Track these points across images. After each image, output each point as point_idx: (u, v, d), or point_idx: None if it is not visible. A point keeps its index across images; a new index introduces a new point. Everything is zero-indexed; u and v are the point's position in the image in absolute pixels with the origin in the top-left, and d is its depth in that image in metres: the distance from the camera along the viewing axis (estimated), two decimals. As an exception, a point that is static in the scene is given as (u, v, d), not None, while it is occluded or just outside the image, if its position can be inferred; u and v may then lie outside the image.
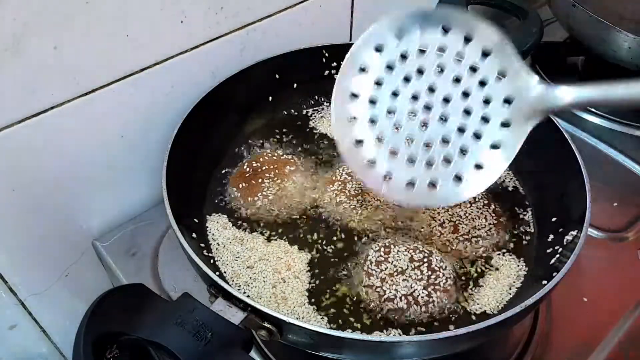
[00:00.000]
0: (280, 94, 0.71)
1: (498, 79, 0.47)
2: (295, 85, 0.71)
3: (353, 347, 0.43)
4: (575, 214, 0.52)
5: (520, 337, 0.59)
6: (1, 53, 0.47)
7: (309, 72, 0.71)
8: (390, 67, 0.49)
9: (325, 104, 0.74)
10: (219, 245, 0.57)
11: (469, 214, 0.58)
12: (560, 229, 0.54)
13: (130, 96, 0.59)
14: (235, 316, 0.42)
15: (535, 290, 0.44)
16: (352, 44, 0.72)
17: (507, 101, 0.47)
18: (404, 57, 0.49)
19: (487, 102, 0.47)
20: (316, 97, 0.73)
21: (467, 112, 0.47)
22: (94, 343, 0.37)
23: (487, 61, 0.48)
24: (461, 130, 0.47)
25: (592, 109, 0.85)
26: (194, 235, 0.55)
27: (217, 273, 0.48)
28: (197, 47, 0.61)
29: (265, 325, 0.43)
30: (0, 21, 0.45)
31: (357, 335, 0.42)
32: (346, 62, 0.51)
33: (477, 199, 0.60)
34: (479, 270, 0.55)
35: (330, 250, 0.57)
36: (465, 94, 0.48)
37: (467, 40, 0.48)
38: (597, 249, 0.67)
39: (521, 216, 0.61)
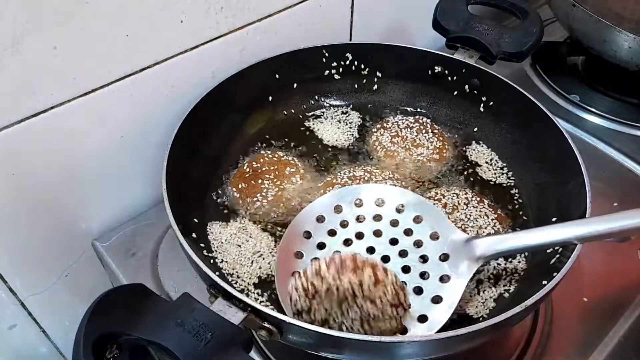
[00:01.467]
0: (280, 94, 0.70)
1: (432, 239, 0.53)
2: (295, 85, 0.71)
3: (353, 347, 0.43)
4: (575, 213, 0.52)
5: (520, 337, 0.59)
6: (1, 53, 0.47)
7: (309, 72, 0.71)
8: (331, 233, 0.55)
9: (325, 104, 0.74)
10: (218, 245, 0.57)
11: (470, 216, 0.58)
12: (560, 229, 0.54)
13: (130, 96, 0.59)
14: (235, 316, 0.42)
15: (535, 291, 0.44)
16: (352, 43, 0.72)
17: (443, 258, 0.51)
18: (343, 225, 0.55)
19: (424, 260, 0.52)
20: (316, 97, 0.73)
21: (407, 270, 0.51)
22: (94, 343, 0.37)
23: (420, 226, 0.54)
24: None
25: (592, 109, 0.85)
26: (193, 235, 0.55)
27: (217, 273, 0.48)
28: (197, 47, 0.61)
29: (265, 325, 0.42)
30: (0, 21, 0.45)
31: (357, 336, 0.42)
32: (290, 228, 0.56)
33: (477, 201, 0.60)
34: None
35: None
36: (404, 253, 0.52)
37: (399, 211, 0.55)
38: (597, 249, 0.66)
39: (521, 216, 0.61)
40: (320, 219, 0.56)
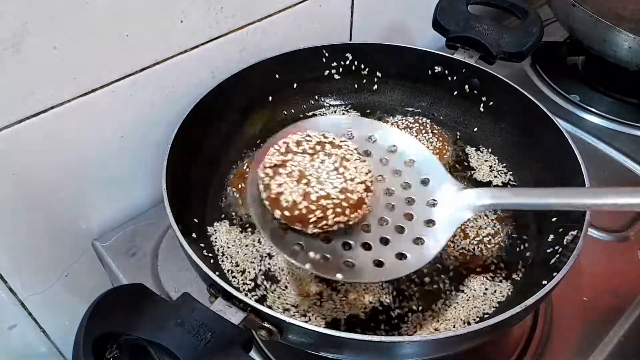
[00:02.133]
0: (280, 94, 0.70)
1: (422, 184, 0.52)
2: (295, 85, 0.71)
3: (353, 347, 0.43)
4: (575, 213, 0.52)
5: (520, 337, 0.59)
6: (1, 53, 0.47)
7: (309, 72, 0.71)
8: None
9: (325, 104, 0.74)
10: (218, 245, 0.57)
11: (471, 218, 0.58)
12: (560, 229, 0.54)
13: (130, 96, 0.59)
14: (235, 316, 0.42)
15: (535, 290, 0.44)
16: (352, 43, 0.72)
17: (431, 204, 0.50)
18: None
19: (410, 202, 0.51)
20: (316, 97, 0.73)
21: (391, 208, 0.50)
22: (94, 343, 0.37)
23: (411, 169, 0.52)
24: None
25: (592, 109, 0.85)
26: (193, 235, 0.55)
27: (217, 273, 0.47)
28: (197, 47, 0.61)
29: (265, 325, 0.42)
30: (0, 21, 0.45)
31: (357, 336, 0.42)
32: (288, 129, 0.53)
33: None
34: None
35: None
36: (389, 192, 0.52)
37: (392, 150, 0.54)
38: (597, 248, 0.67)
39: (521, 216, 0.61)
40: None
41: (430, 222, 0.49)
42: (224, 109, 0.65)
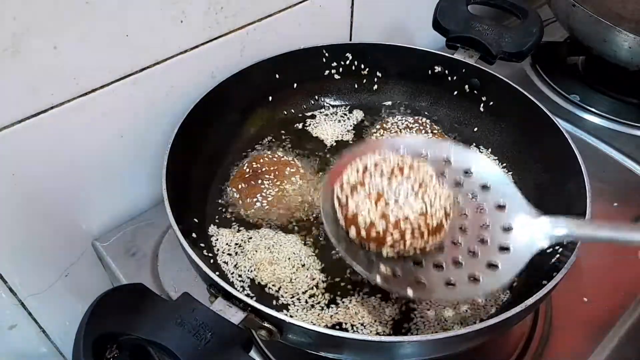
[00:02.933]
0: (280, 94, 0.71)
1: (498, 210, 0.50)
2: (295, 85, 0.71)
3: (353, 347, 0.43)
4: (575, 213, 0.52)
5: (520, 337, 0.58)
6: (1, 53, 0.47)
7: (309, 72, 0.71)
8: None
9: (325, 104, 0.74)
10: (218, 245, 0.57)
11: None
12: (561, 229, 0.54)
13: (130, 96, 0.59)
14: (235, 316, 0.42)
15: (535, 290, 0.44)
16: (352, 43, 0.72)
17: (506, 229, 0.49)
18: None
19: (485, 226, 0.49)
20: (316, 97, 0.73)
21: (464, 230, 0.50)
22: (94, 343, 0.37)
23: (486, 194, 0.51)
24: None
25: (592, 109, 0.85)
26: (193, 235, 0.55)
27: (217, 273, 0.47)
28: (197, 47, 0.61)
29: (265, 325, 0.42)
30: (0, 21, 0.45)
31: (357, 336, 0.42)
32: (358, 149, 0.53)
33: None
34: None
35: (330, 252, 0.57)
36: (463, 215, 0.50)
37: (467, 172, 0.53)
38: (597, 249, 0.66)
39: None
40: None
41: (504, 249, 0.48)
42: (224, 109, 0.65)
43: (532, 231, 0.48)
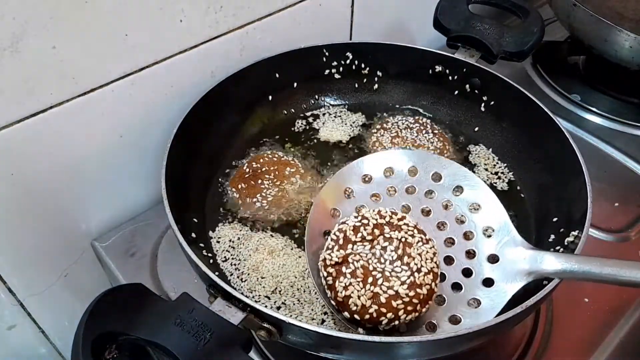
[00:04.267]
0: (280, 94, 0.70)
1: (485, 236, 0.50)
2: (295, 84, 0.71)
3: (353, 347, 0.43)
4: (576, 214, 0.52)
5: (521, 337, 0.58)
6: (0, 52, 0.47)
7: (309, 71, 0.71)
8: (375, 197, 0.53)
9: (325, 103, 0.74)
10: (218, 245, 0.57)
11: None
12: (562, 229, 0.54)
13: (130, 96, 0.58)
14: (235, 316, 0.42)
15: (536, 291, 0.44)
16: (352, 43, 0.72)
17: (491, 260, 0.48)
18: (389, 192, 0.54)
19: (471, 256, 0.49)
20: (316, 97, 0.73)
21: (450, 262, 0.49)
22: (93, 343, 0.37)
23: (475, 216, 0.50)
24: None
25: (593, 108, 0.85)
26: (193, 235, 0.55)
27: (217, 273, 0.47)
28: (196, 46, 0.61)
29: (265, 325, 0.42)
30: (-1, 20, 0.45)
31: (357, 336, 0.42)
32: (332, 181, 0.54)
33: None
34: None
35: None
36: (450, 242, 0.50)
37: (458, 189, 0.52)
38: (598, 249, 0.66)
39: (522, 216, 0.61)
40: (366, 179, 0.53)
41: (488, 282, 0.47)
42: (224, 108, 0.65)
43: (518, 265, 0.47)
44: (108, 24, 0.52)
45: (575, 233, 0.51)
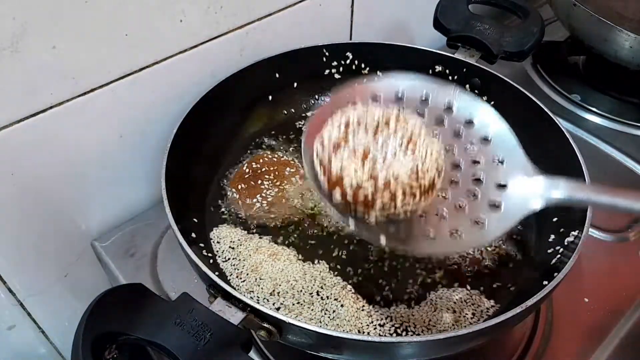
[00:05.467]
0: (280, 94, 0.70)
1: (495, 163, 0.47)
2: (295, 84, 0.71)
3: (353, 347, 0.43)
4: (576, 214, 0.52)
5: (521, 337, 0.58)
6: (0, 52, 0.47)
7: (309, 71, 0.70)
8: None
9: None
10: (218, 245, 0.57)
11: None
12: (561, 229, 0.54)
13: (129, 96, 0.58)
14: (235, 316, 0.42)
15: (536, 291, 0.44)
16: (352, 43, 0.72)
17: (501, 186, 0.46)
18: None
19: (478, 181, 0.47)
20: (316, 97, 0.73)
21: (455, 183, 0.47)
22: (93, 343, 0.37)
23: (486, 146, 0.48)
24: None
25: (593, 109, 0.85)
26: (193, 235, 0.55)
27: (216, 273, 0.47)
28: (196, 46, 0.61)
29: (265, 325, 0.42)
30: (-1, 20, 0.45)
31: (357, 336, 0.42)
32: (334, 99, 0.50)
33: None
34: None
35: (329, 252, 0.57)
36: (456, 166, 0.47)
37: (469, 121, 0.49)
38: (598, 249, 0.66)
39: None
40: (376, 98, 0.50)
41: (494, 206, 0.45)
42: (224, 108, 0.65)
43: (526, 190, 0.45)
44: (108, 24, 0.52)
45: (575, 233, 0.51)
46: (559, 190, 0.44)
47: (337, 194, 0.41)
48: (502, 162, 0.47)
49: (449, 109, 0.49)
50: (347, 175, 0.41)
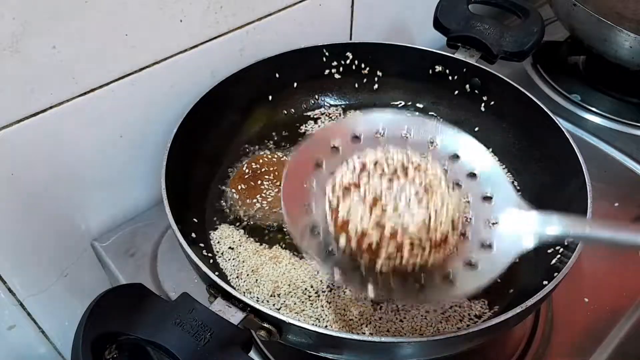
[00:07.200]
0: (280, 94, 0.70)
1: (484, 200, 0.45)
2: (295, 84, 0.71)
3: (353, 347, 0.43)
4: (576, 213, 0.52)
5: (521, 337, 0.58)
6: (0, 52, 0.47)
7: (309, 71, 0.70)
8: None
9: (325, 103, 0.74)
10: (218, 245, 0.57)
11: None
12: (561, 229, 0.54)
13: (129, 96, 0.58)
14: (235, 316, 0.42)
15: (536, 291, 0.44)
16: (352, 43, 0.72)
17: (492, 224, 0.44)
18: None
19: (468, 220, 0.45)
20: (316, 97, 0.73)
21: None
22: (93, 343, 0.37)
23: (475, 182, 0.46)
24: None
25: (593, 109, 0.85)
26: (193, 235, 0.55)
27: (216, 273, 0.47)
28: (196, 46, 0.61)
29: (265, 325, 0.42)
30: (-2, 20, 0.45)
31: (357, 336, 0.42)
32: (296, 155, 0.48)
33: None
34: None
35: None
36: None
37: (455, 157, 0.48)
38: (598, 249, 0.66)
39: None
40: (356, 137, 0.47)
41: (487, 245, 0.43)
42: (224, 108, 0.65)
43: (519, 227, 0.43)
44: (108, 23, 0.52)
45: (575, 233, 0.51)
46: (553, 226, 0.42)
47: (342, 240, 0.40)
48: (490, 198, 0.46)
49: (431, 143, 0.48)
50: (353, 221, 0.39)
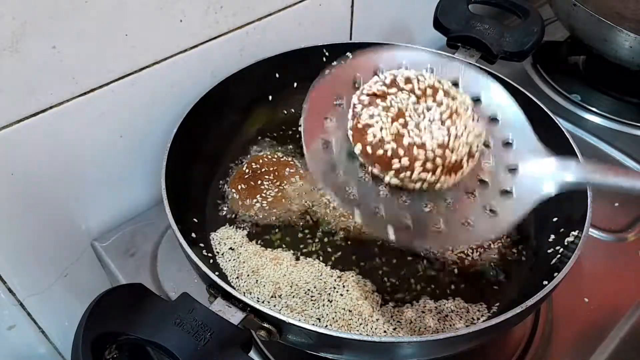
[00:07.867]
0: (280, 94, 0.70)
1: (504, 146, 0.45)
2: (295, 84, 0.71)
3: (353, 347, 0.43)
4: (576, 214, 0.52)
5: (521, 337, 0.58)
6: (0, 52, 0.47)
7: (309, 71, 0.70)
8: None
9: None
10: (218, 245, 0.57)
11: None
12: (561, 229, 0.54)
13: (129, 96, 0.58)
14: (235, 316, 0.42)
15: (536, 291, 0.44)
16: (352, 43, 0.72)
17: (512, 170, 0.44)
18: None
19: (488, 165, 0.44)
20: (316, 97, 0.73)
21: None
22: (93, 343, 0.37)
23: (496, 127, 0.45)
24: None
25: (593, 108, 0.85)
26: (193, 235, 0.55)
27: (216, 273, 0.47)
28: (196, 46, 0.61)
29: (265, 325, 0.42)
30: (-2, 20, 0.45)
31: (357, 336, 0.42)
32: (316, 91, 0.48)
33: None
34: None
35: (330, 254, 0.57)
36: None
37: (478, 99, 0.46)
38: (598, 249, 0.66)
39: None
40: (378, 72, 0.46)
41: (506, 191, 0.42)
42: (224, 108, 0.65)
43: (538, 174, 0.42)
44: (108, 24, 0.52)
45: (575, 233, 0.51)
46: (571, 172, 0.42)
47: (357, 147, 0.40)
48: (511, 144, 0.45)
49: (454, 84, 0.46)
50: (372, 129, 0.39)
